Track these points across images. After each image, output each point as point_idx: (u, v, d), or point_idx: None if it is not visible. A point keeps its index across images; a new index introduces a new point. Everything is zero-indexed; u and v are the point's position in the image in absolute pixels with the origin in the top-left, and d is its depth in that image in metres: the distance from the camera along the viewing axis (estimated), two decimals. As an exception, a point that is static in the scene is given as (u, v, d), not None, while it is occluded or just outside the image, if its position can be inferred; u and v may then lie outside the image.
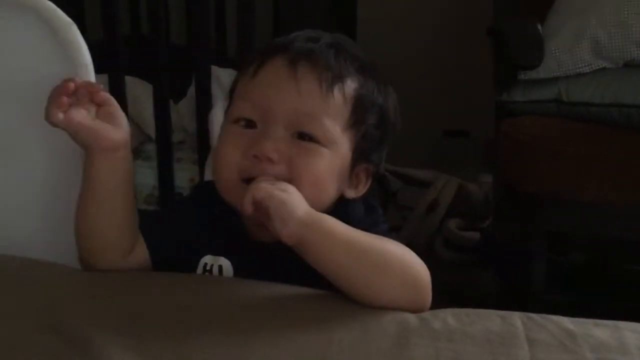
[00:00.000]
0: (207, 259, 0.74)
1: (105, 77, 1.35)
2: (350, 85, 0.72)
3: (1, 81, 0.71)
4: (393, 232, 0.78)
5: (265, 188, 0.65)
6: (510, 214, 1.47)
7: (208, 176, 1.42)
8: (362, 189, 0.76)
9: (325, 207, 0.71)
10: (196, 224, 0.75)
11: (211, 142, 1.41)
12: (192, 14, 1.42)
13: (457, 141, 1.99)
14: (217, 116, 1.43)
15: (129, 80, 1.46)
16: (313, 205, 0.67)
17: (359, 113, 0.72)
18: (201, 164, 1.44)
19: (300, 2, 1.33)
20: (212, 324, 0.64)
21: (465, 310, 0.70)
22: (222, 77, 1.52)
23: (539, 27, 1.38)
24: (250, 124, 0.70)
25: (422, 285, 0.69)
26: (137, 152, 1.50)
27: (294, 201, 0.65)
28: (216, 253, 0.74)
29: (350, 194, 0.75)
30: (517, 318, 0.67)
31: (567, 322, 0.67)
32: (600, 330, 0.65)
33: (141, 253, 0.74)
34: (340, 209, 0.73)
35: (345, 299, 0.69)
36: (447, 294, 1.52)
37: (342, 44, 0.74)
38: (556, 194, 1.28)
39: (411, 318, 0.66)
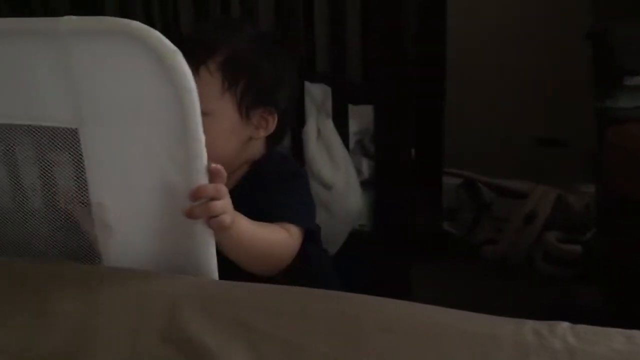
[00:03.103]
0: None
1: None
2: (216, 60, 0.93)
3: (112, 105, 0.74)
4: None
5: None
6: (617, 226, 1.40)
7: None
8: (271, 127, 0.98)
9: (233, 158, 0.95)
10: None
11: (305, 156, 1.43)
12: (282, 30, 1.44)
13: (551, 150, 1.92)
14: (310, 131, 1.45)
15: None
16: (217, 161, 0.79)
17: (229, 78, 0.93)
18: (295, 177, 1.46)
19: (390, 10, 1.32)
20: (323, 339, 0.64)
21: (584, 327, 0.66)
22: (313, 92, 1.54)
23: (645, 29, 1.32)
24: None
25: (281, 264, 0.90)
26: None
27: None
28: None
29: (259, 133, 0.98)
30: (643, 338, 0.63)
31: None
32: None
33: None
34: (261, 162, 0.98)
35: (453, 313, 0.68)
36: (548, 309, 1.47)
37: (216, 25, 1.03)
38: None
39: (529, 336, 0.64)
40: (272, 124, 0.99)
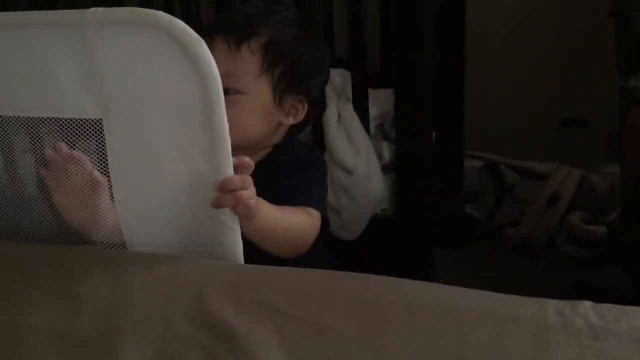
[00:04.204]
0: None
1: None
2: (259, 40, 0.94)
3: (137, 95, 0.75)
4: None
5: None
6: (641, 206, 1.38)
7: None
8: (301, 116, 0.99)
9: (259, 141, 0.97)
10: None
11: (326, 141, 1.44)
12: (300, 15, 1.45)
13: (577, 130, 1.90)
14: (331, 116, 1.46)
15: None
16: (243, 141, 0.88)
17: (269, 60, 0.94)
18: (317, 163, 1.47)
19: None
20: (347, 320, 0.65)
21: (607, 306, 0.67)
22: (333, 77, 1.54)
23: (670, 6, 1.29)
24: None
25: (306, 245, 0.91)
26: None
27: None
28: None
29: (289, 120, 0.98)
30: (666, 316, 0.63)
31: None
32: None
33: None
34: (285, 147, 0.98)
35: (475, 294, 0.69)
36: (573, 290, 1.47)
37: (255, 8, 1.01)
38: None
39: (550, 315, 0.64)
40: (302, 112, 1.00)
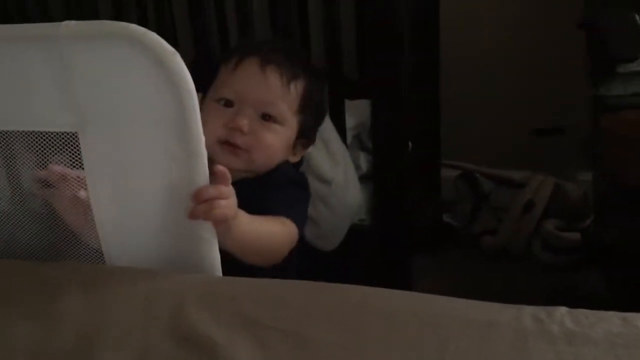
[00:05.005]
0: None
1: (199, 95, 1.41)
2: (301, 82, 1.02)
3: (113, 108, 0.75)
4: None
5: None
6: (615, 213, 1.41)
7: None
8: (299, 156, 1.08)
9: (273, 165, 1.01)
10: None
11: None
12: (276, 26, 1.45)
13: (551, 139, 1.93)
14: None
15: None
16: (265, 164, 0.99)
17: (305, 103, 1.02)
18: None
19: (384, 4, 1.33)
20: (327, 330, 0.65)
21: (582, 311, 0.67)
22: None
23: (637, 17, 1.32)
24: (228, 103, 0.99)
25: (284, 253, 0.93)
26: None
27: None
28: None
29: (293, 159, 1.06)
30: (640, 319, 0.65)
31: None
32: None
33: None
34: (281, 170, 1.02)
35: (454, 301, 0.69)
36: (548, 297, 1.49)
37: (295, 51, 1.11)
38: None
39: (527, 321, 0.65)
40: (300, 154, 1.08)
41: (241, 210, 0.83)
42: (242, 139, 0.97)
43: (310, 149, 1.13)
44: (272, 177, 1.01)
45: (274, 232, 0.91)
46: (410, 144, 1.44)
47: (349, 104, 1.46)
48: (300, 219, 0.97)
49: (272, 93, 0.99)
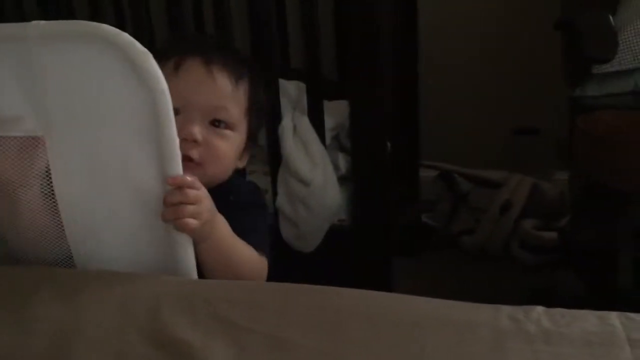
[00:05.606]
0: None
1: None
2: (246, 81, 0.92)
3: (83, 110, 0.74)
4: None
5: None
6: (590, 213, 1.43)
7: (280, 187, 1.45)
8: (244, 161, 0.97)
9: (227, 177, 0.91)
10: None
11: (282, 153, 1.44)
12: (255, 28, 1.45)
13: (528, 139, 1.95)
14: (286, 128, 1.46)
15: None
16: (220, 176, 0.89)
17: (251, 104, 0.93)
18: (273, 175, 1.47)
19: (364, 5, 1.33)
20: (305, 332, 0.65)
21: (558, 310, 0.68)
22: (289, 89, 1.55)
23: (611, 18, 1.34)
24: (174, 111, 0.82)
25: (253, 277, 0.85)
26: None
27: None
28: None
29: (239, 164, 0.96)
30: (615, 318, 0.65)
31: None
32: None
33: None
34: (233, 184, 0.93)
35: (432, 302, 0.69)
36: (527, 296, 1.50)
37: (228, 45, 1.04)
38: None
39: (504, 321, 0.65)
40: (245, 158, 0.98)
41: (220, 215, 0.81)
42: (195, 150, 0.86)
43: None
44: (229, 196, 0.90)
45: (246, 254, 0.85)
46: (389, 144, 1.44)
47: (327, 105, 1.46)
48: (268, 248, 0.90)
49: (222, 97, 0.89)
